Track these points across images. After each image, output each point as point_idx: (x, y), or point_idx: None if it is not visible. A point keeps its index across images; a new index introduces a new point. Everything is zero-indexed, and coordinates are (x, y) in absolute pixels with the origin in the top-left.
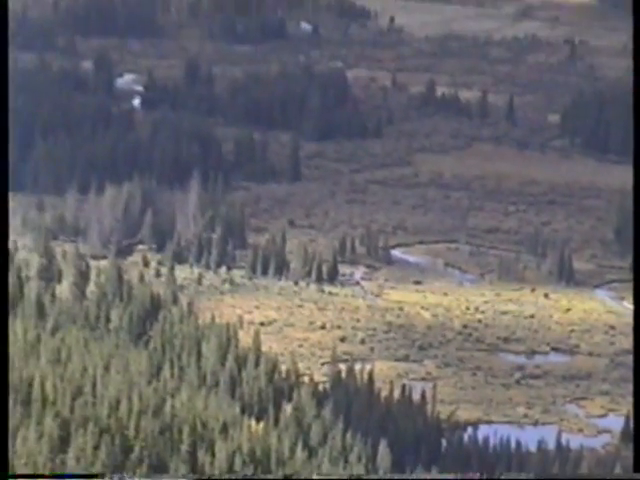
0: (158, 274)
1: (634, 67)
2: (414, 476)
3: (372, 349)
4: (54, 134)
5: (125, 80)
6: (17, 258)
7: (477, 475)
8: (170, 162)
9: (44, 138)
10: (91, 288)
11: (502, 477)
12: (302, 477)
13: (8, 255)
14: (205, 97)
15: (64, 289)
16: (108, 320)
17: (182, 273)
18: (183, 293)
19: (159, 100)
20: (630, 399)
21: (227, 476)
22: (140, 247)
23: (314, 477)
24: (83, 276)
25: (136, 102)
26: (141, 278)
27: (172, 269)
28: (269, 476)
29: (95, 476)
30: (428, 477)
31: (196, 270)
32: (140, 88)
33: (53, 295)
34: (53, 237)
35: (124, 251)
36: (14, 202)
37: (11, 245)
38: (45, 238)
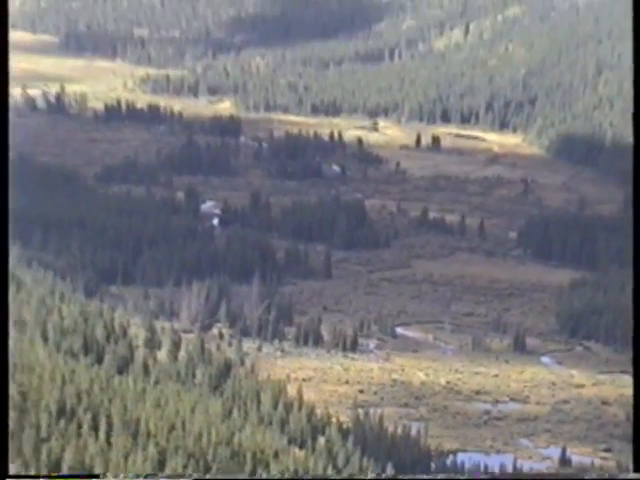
0: (230, 344)
1: (634, 69)
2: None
3: (382, 398)
4: (157, 244)
5: (207, 206)
6: (129, 332)
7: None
8: (239, 265)
9: (150, 247)
10: (182, 354)
11: (500, 477)
12: (303, 477)
13: (8, 258)
14: (264, 219)
15: (163, 354)
16: (194, 377)
17: (247, 344)
18: (248, 358)
19: (232, 220)
20: (565, 437)
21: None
22: (217, 325)
23: (315, 477)
24: (176, 345)
25: (215, 221)
26: (218, 347)
27: (240, 341)
28: (269, 476)
29: (96, 476)
30: (430, 477)
31: (257, 342)
32: (218, 211)
33: (155, 359)
34: (155, 317)
35: (206, 327)
36: (128, 292)
37: (125, 323)
38: (149, 318)
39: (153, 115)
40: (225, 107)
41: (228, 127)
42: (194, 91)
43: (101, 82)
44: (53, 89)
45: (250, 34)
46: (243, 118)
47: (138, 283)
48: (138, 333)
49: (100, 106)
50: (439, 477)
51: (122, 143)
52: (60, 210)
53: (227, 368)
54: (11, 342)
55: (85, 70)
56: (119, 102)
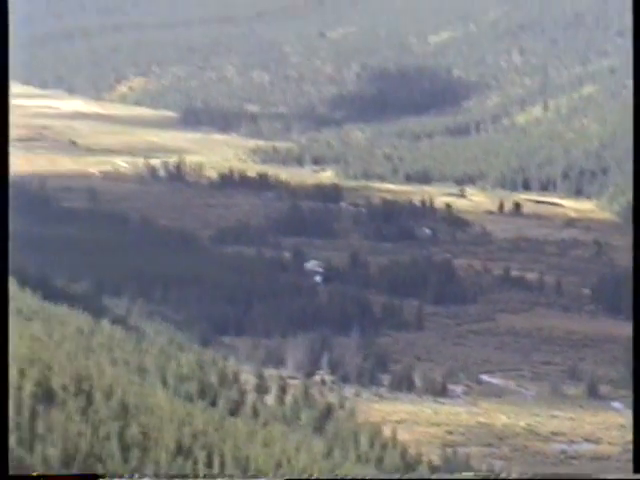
0: (331, 390)
1: (634, 72)
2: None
3: (468, 439)
4: (266, 299)
5: (311, 264)
6: (241, 379)
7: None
8: (340, 318)
9: (259, 302)
10: (288, 398)
11: (501, 477)
12: (303, 477)
13: (8, 262)
14: (363, 276)
15: (271, 399)
16: (299, 419)
17: (347, 390)
18: (347, 402)
19: (333, 278)
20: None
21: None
22: (320, 372)
23: (315, 477)
24: (283, 390)
25: (318, 279)
26: (320, 392)
27: (340, 387)
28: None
29: (97, 476)
30: (434, 477)
31: (356, 388)
32: (321, 270)
33: (263, 403)
34: (264, 365)
35: (309, 374)
36: (240, 342)
37: (236, 370)
38: (259, 366)
39: (262, 183)
40: (327, 176)
41: (330, 194)
42: (299, 161)
43: (216, 153)
44: (173, 160)
45: (350, 110)
46: (343, 186)
47: (249, 334)
48: (248, 379)
49: (215, 175)
50: (440, 477)
51: (235, 208)
52: (179, 268)
53: (329, 411)
54: (133, 387)
55: (202, 142)
56: (232, 171)
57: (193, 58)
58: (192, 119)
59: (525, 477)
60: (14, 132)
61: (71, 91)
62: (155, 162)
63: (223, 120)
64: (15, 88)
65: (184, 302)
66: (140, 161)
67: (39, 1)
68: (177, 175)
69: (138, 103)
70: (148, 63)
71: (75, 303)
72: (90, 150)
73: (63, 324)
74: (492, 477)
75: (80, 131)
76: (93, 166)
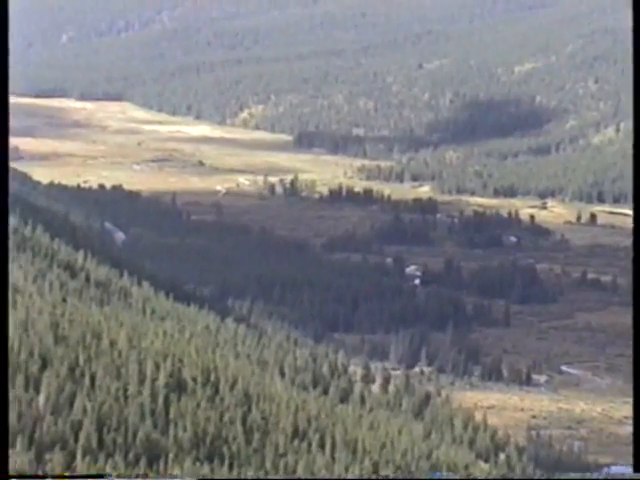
0: (429, 379)
1: (634, 69)
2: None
3: (550, 423)
4: (371, 300)
5: (410, 269)
6: (349, 370)
7: None
8: (436, 316)
9: (365, 302)
10: (391, 387)
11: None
12: (305, 477)
13: (7, 255)
14: (456, 280)
15: (376, 388)
16: (400, 405)
17: (443, 379)
18: (443, 390)
19: (430, 281)
20: None
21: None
22: (419, 364)
23: (317, 477)
24: (386, 380)
25: (417, 282)
26: (419, 382)
27: (437, 377)
28: (271, 476)
29: (98, 476)
30: (435, 478)
31: (451, 377)
32: (419, 274)
33: (369, 391)
34: (369, 358)
35: (410, 366)
36: (348, 338)
37: (345, 362)
38: (365, 359)
39: (367, 197)
40: (425, 191)
41: (427, 207)
42: (400, 178)
43: (326, 171)
44: (288, 177)
45: (445, 133)
46: (439, 200)
47: (356, 331)
48: (356, 371)
49: (326, 190)
50: (440, 477)
51: (343, 219)
52: (294, 273)
53: (427, 399)
54: (254, 378)
55: (314, 162)
56: (340, 187)
57: (306, 87)
58: (305, 142)
59: (527, 478)
60: (149, 154)
61: (199, 117)
62: (273, 180)
63: (333, 142)
64: (150, 115)
65: (299, 302)
66: (260, 179)
67: (171, 39)
68: (292, 191)
69: (258, 128)
70: (267, 92)
71: (203, 304)
72: (216, 169)
73: (193, 323)
74: (492, 477)
75: (207, 153)
76: (218, 184)
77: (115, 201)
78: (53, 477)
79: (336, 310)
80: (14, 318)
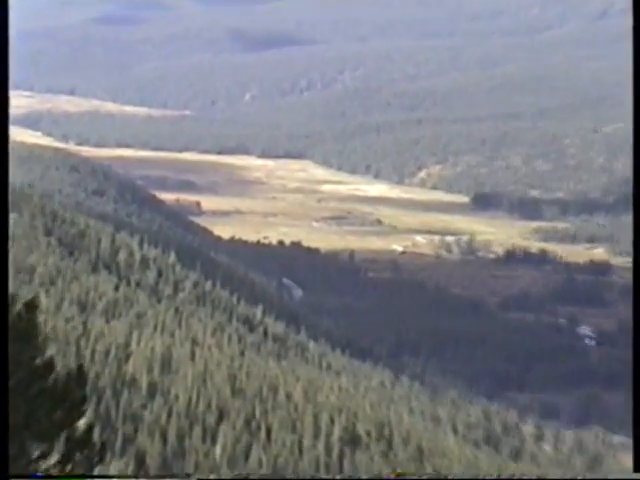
0: (603, 442)
1: (634, 69)
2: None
3: None
4: (543, 359)
5: (583, 329)
6: (521, 428)
7: None
8: (608, 377)
9: (538, 361)
10: (563, 446)
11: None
12: (306, 477)
13: (7, 256)
14: (629, 340)
15: (547, 447)
16: (571, 464)
17: (615, 439)
18: (617, 451)
19: (603, 342)
20: None
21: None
22: (590, 424)
23: (318, 477)
24: (557, 439)
25: (589, 342)
26: (593, 442)
27: (610, 437)
28: (272, 476)
29: (99, 477)
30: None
31: (623, 438)
32: (592, 334)
33: (541, 450)
34: (541, 418)
35: (582, 426)
36: (521, 397)
37: (518, 420)
38: (537, 418)
39: (542, 258)
40: (598, 252)
41: (600, 269)
42: (574, 240)
43: (502, 232)
44: (465, 237)
45: (619, 195)
46: (612, 262)
47: (528, 390)
48: (528, 429)
49: (501, 250)
50: (440, 477)
51: (518, 279)
52: (468, 330)
53: (598, 458)
54: (427, 434)
55: (490, 223)
56: (516, 247)
57: (484, 149)
58: (482, 202)
59: (527, 478)
60: (328, 212)
61: (377, 177)
62: (449, 239)
63: (509, 204)
64: (329, 174)
65: (472, 360)
66: (436, 238)
67: (352, 98)
68: (468, 250)
69: (435, 188)
70: (445, 153)
71: (378, 360)
72: (393, 228)
73: (368, 378)
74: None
75: (384, 212)
76: (396, 242)
77: (294, 257)
78: (53, 477)
79: (509, 368)
80: (192, 370)
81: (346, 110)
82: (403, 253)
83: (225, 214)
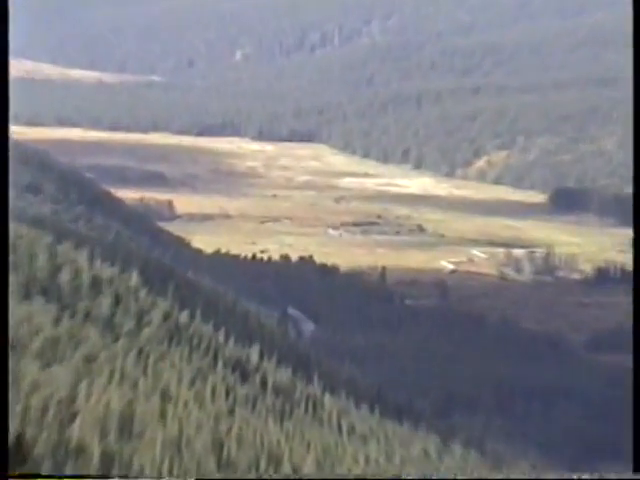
0: None
1: (634, 70)
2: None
3: None
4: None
5: None
6: None
7: None
8: None
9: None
10: None
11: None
12: (307, 477)
13: (8, 254)
14: None
15: None
16: None
17: None
18: None
19: None
20: None
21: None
22: None
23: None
24: None
25: None
26: None
27: None
28: (273, 476)
29: (98, 477)
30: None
31: None
32: None
33: None
34: None
35: None
36: (614, 467)
37: None
38: None
39: None
40: None
41: None
42: None
43: (591, 243)
44: (539, 250)
45: None
46: None
47: (626, 458)
48: None
49: (589, 268)
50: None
51: (613, 307)
52: (544, 379)
53: None
54: None
55: (574, 231)
56: (609, 264)
57: (565, 128)
58: (563, 202)
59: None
60: (350, 216)
61: (418, 167)
62: (518, 253)
63: (600, 203)
64: (352, 163)
65: (550, 419)
66: (500, 252)
67: (383, 58)
68: (544, 269)
69: (499, 181)
70: (511, 133)
71: (420, 420)
72: (441, 238)
73: (405, 445)
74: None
75: (428, 215)
76: (444, 257)
77: (303, 278)
78: (53, 477)
79: (600, 431)
80: (163, 435)
81: (374, 74)
82: (454, 272)
83: (207, 218)
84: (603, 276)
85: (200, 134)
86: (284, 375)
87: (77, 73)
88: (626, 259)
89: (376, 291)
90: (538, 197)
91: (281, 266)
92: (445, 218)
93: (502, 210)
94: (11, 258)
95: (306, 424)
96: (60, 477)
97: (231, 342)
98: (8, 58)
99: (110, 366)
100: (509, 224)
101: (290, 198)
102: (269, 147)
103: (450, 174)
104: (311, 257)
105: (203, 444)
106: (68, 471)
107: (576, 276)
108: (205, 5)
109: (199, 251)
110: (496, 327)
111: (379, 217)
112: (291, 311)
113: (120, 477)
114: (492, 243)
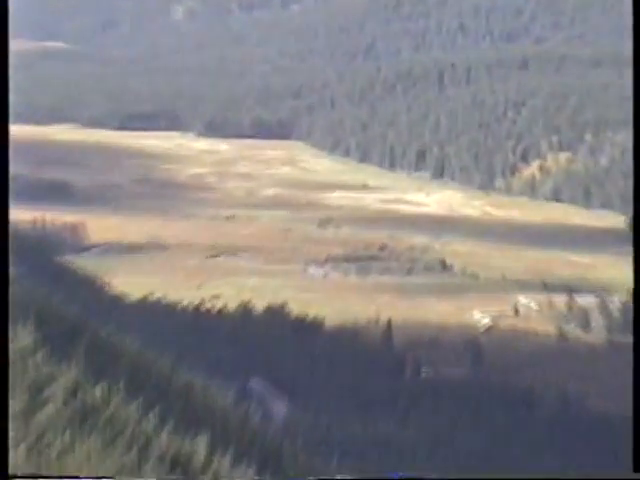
0: None
1: (634, 70)
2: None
3: None
4: None
5: None
6: None
7: None
8: None
9: None
10: None
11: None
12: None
13: (8, 253)
14: None
15: None
16: None
17: None
18: None
19: None
20: None
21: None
22: None
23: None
24: None
25: None
26: None
27: None
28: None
29: (99, 477)
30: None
31: None
32: None
33: None
34: None
35: None
36: None
37: None
38: None
39: None
40: None
41: None
42: None
43: None
44: (616, 297)
45: None
46: None
47: None
48: None
49: None
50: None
51: None
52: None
53: None
54: None
55: None
56: None
57: None
58: None
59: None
60: (339, 246)
61: (439, 174)
62: (585, 301)
63: None
64: (341, 168)
65: None
66: (558, 301)
67: (370, 23)
68: (622, 324)
69: (556, 197)
70: (575, 126)
71: None
72: (473, 279)
73: None
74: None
75: (455, 246)
76: (477, 306)
77: (272, 337)
78: (53, 477)
79: None
80: None
81: (376, 39)
82: (491, 329)
83: (133, 250)
84: None
85: (122, 127)
86: (244, 477)
87: None
88: None
89: (378, 356)
90: (614, 220)
91: (240, 320)
92: (479, 250)
93: (562, 239)
94: None
95: None
96: (60, 477)
97: (166, 431)
98: (8, 60)
99: None
100: (572, 259)
101: (253, 221)
102: (223, 146)
103: (486, 186)
104: (283, 307)
105: None
106: None
107: None
108: None
109: (121, 297)
110: (553, 410)
111: (383, 249)
112: (254, 384)
113: (119, 477)
114: (547, 287)
